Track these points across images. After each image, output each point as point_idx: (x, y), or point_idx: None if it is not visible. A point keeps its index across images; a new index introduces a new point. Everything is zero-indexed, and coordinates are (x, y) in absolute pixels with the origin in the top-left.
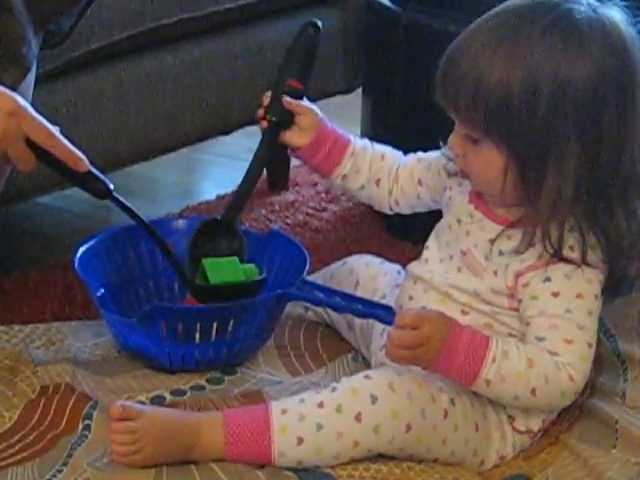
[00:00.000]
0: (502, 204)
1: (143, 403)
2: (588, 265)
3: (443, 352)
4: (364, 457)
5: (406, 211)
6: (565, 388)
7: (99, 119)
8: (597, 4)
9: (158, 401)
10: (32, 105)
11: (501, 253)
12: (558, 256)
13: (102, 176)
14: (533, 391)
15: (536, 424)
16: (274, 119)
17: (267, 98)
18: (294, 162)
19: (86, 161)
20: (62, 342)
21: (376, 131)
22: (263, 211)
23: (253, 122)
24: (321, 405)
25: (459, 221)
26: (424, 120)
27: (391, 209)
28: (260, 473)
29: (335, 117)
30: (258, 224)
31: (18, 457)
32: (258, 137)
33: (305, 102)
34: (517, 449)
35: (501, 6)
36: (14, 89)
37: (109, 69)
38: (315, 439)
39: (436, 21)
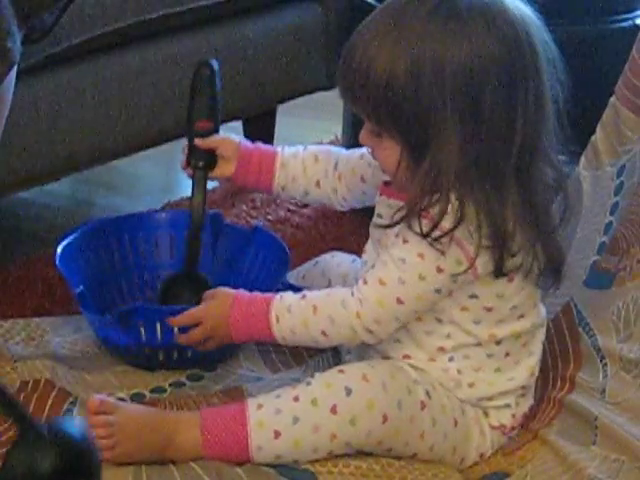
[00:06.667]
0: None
1: (123, 400)
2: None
3: (232, 328)
4: (343, 451)
5: (358, 206)
6: (353, 324)
7: (80, 114)
8: None
9: (138, 398)
10: (13, 100)
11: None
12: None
13: None
14: (323, 333)
15: (507, 418)
16: (199, 164)
17: (186, 148)
18: None
19: None
20: (42, 337)
21: (357, 128)
22: (244, 207)
23: (234, 118)
24: (296, 399)
25: (379, 215)
26: None
27: (342, 206)
28: (240, 470)
29: (316, 113)
30: (239, 220)
31: None
32: (240, 133)
33: (218, 135)
34: (495, 446)
35: None
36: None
37: (90, 64)
38: (292, 432)
39: None
